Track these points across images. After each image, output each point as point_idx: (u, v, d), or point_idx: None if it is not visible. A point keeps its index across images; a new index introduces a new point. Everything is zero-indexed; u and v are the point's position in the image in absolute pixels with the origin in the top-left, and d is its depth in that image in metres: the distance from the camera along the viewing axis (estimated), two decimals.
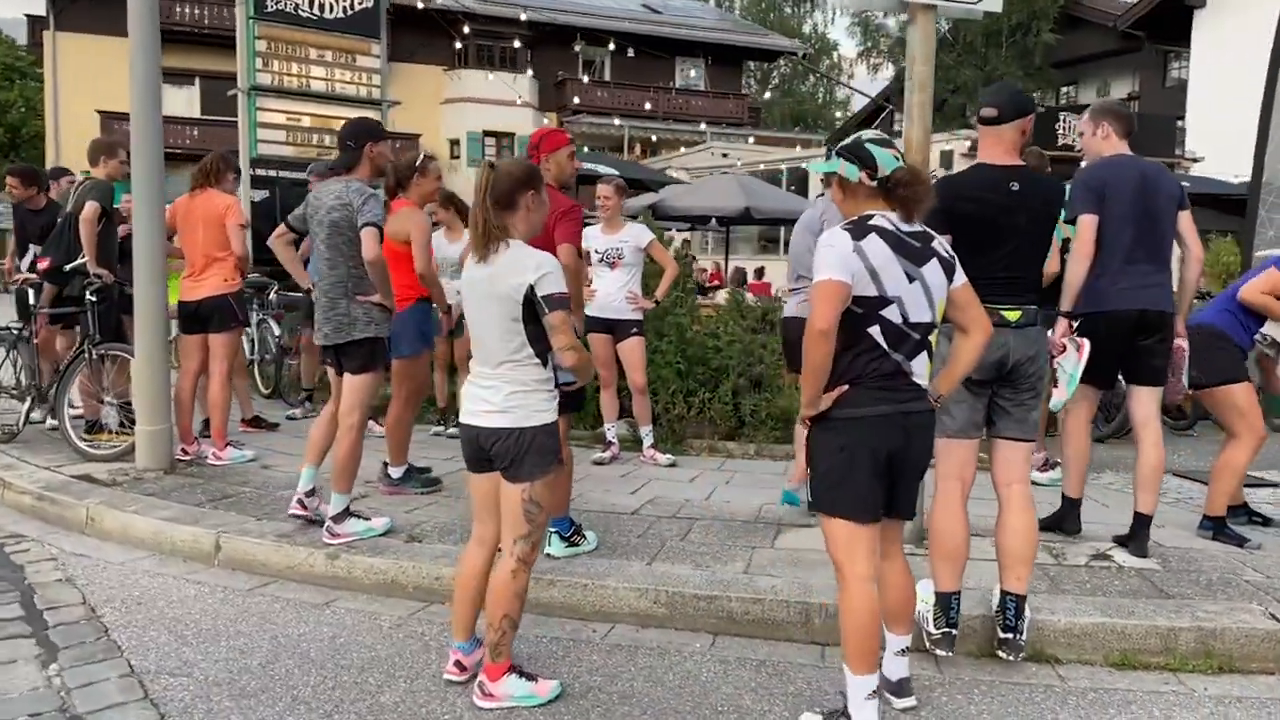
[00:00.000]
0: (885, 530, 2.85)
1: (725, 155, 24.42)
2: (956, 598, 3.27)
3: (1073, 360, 4.19)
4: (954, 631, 3.27)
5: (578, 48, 30.88)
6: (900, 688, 2.98)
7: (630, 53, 30.64)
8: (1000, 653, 3.27)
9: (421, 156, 5.16)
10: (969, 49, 36.24)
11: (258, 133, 9.70)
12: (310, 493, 4.46)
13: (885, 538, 2.87)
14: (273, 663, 3.32)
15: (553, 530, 4.05)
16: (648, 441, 5.97)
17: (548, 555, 4.00)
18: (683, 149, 28.04)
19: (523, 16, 25.54)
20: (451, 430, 6.78)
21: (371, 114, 10.00)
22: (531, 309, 2.88)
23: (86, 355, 5.92)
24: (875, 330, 2.65)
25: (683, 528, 4.51)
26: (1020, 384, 3.32)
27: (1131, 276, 4.15)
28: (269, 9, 9.60)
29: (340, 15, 10.05)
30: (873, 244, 2.63)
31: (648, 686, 3.16)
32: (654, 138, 29.95)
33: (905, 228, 2.70)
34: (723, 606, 3.62)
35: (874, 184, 2.70)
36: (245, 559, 4.32)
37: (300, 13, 9.78)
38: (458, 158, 29.81)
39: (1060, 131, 18.04)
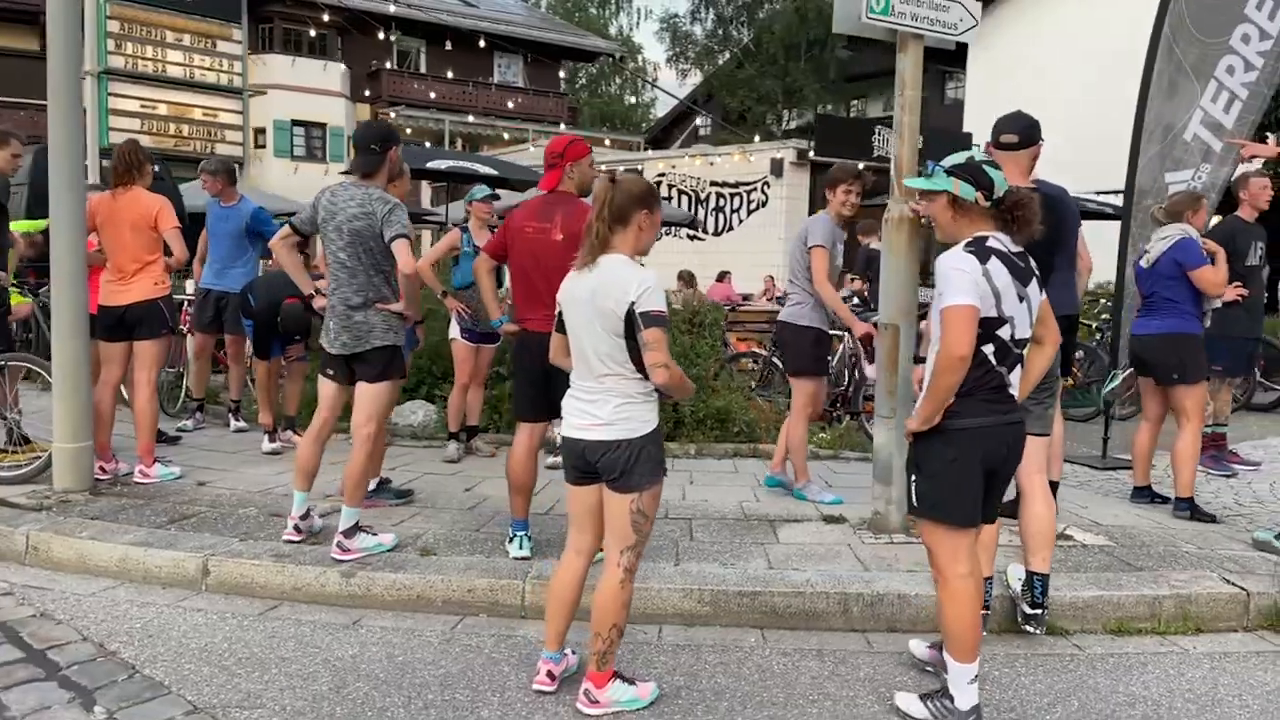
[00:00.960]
0: None
1: None
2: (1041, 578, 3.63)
3: None
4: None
5: (393, 37, 29.97)
6: None
7: (448, 45, 30.17)
8: (1028, 627, 3.64)
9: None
10: (771, 61, 37.93)
11: (109, 120, 8.96)
12: (304, 515, 4.27)
13: None
14: (342, 687, 3.20)
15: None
16: None
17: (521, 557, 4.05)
18: (511, 146, 27.84)
19: (332, 0, 24.56)
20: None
21: (233, 103, 9.52)
22: (632, 324, 2.94)
23: None
24: (989, 348, 2.88)
25: (682, 528, 4.65)
26: (1039, 385, 3.70)
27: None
28: None
29: None
30: (995, 267, 2.86)
31: (731, 682, 3.30)
32: (475, 133, 29.58)
33: (1013, 249, 2.95)
34: (766, 602, 3.80)
35: (989, 204, 2.94)
36: (240, 582, 4.08)
37: None
38: (263, 146, 28.28)
39: (875, 144, 19.29)
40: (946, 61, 35.45)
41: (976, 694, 2.94)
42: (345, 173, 4.41)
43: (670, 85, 43.26)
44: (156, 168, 6.21)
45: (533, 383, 4.08)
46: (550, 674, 3.18)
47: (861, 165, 18.02)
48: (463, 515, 4.89)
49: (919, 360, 4.02)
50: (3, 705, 3.04)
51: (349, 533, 4.09)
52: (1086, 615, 3.81)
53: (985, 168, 2.94)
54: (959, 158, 3.00)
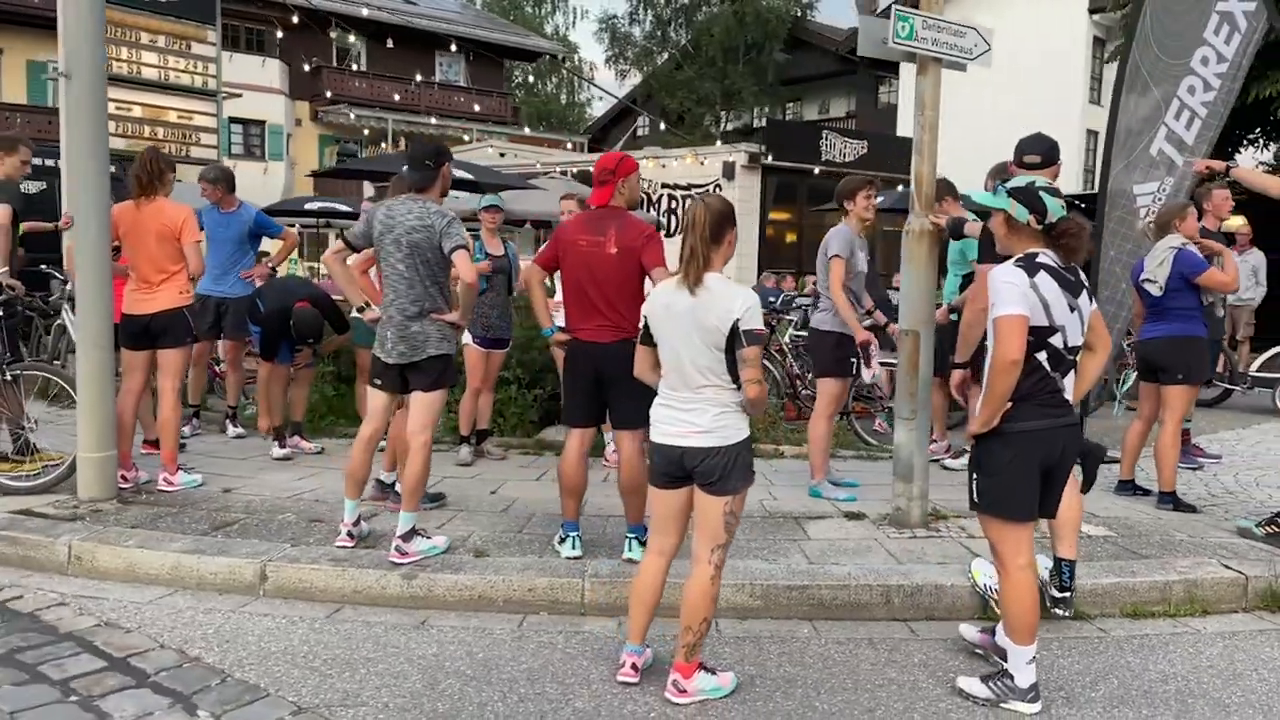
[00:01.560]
0: None
1: (502, 155, 24.49)
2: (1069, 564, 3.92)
3: None
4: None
5: (333, 34, 29.58)
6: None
7: (389, 43, 29.90)
8: (1057, 610, 3.93)
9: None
10: (709, 63, 38.39)
11: None
12: (356, 521, 4.37)
13: None
14: (435, 684, 3.34)
15: (631, 536, 4.29)
16: (611, 448, 6.25)
17: (628, 560, 4.24)
18: (457, 147, 27.72)
19: None
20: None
21: (207, 105, 9.47)
22: (733, 339, 3.15)
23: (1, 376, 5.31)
24: (1042, 355, 3.15)
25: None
26: None
27: None
28: None
29: None
30: (1043, 280, 3.13)
31: (799, 670, 3.52)
32: (420, 133, 29.35)
33: (1063, 264, 3.23)
34: (814, 595, 4.03)
35: (1039, 227, 3.21)
36: (300, 587, 4.18)
37: None
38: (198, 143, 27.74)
39: (823, 148, 19.80)
40: (879, 66, 36.35)
41: (1035, 673, 3.22)
42: (371, 198, 4.51)
43: (608, 85, 43.41)
44: (114, 169, 6.19)
45: (585, 390, 4.26)
46: (634, 666, 3.37)
47: (818, 170, 18.49)
48: (498, 518, 5.03)
49: (959, 367, 4.28)
50: (104, 713, 3.11)
51: (407, 537, 4.21)
52: (1105, 600, 4.12)
53: (1043, 194, 3.21)
54: (1021, 182, 3.27)
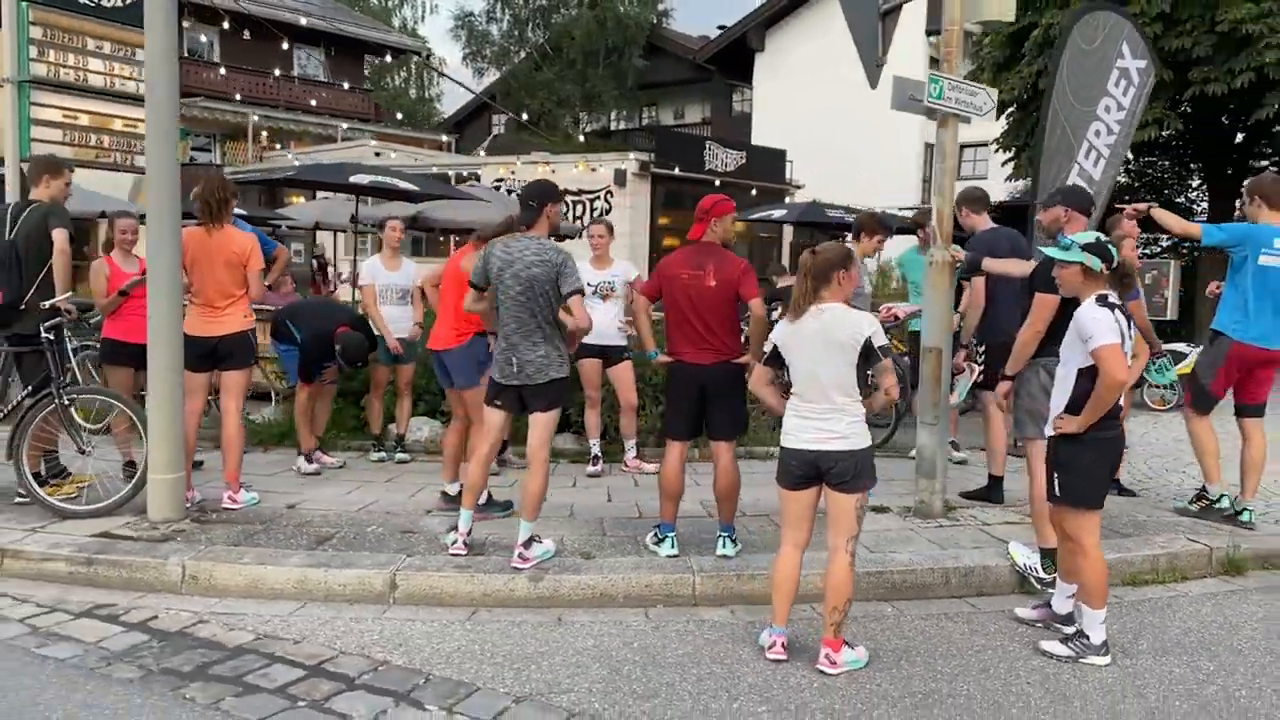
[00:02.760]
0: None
1: (378, 155, 24.20)
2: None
3: (967, 377, 5.95)
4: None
5: (186, 24, 28.31)
6: (1070, 618, 4.30)
7: (246, 34, 28.89)
8: (1049, 590, 4.74)
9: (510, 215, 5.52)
10: (570, 65, 38.88)
11: (30, 130, 8.54)
12: (528, 542, 4.70)
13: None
14: (618, 670, 3.80)
15: (723, 534, 4.85)
16: (632, 453, 6.75)
17: (722, 556, 4.79)
18: (321, 145, 27.10)
19: None
20: (401, 456, 6.94)
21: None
22: (865, 356, 3.79)
23: (55, 401, 5.33)
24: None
25: (766, 523, 5.47)
26: None
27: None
28: None
29: (118, 4, 9.14)
30: (1119, 315, 3.91)
31: (906, 642, 4.18)
32: (281, 128, 28.53)
33: (1117, 300, 4.01)
34: (888, 579, 4.71)
35: (1110, 272, 3.98)
36: (430, 593, 4.52)
37: None
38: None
39: (706, 158, 20.71)
40: (733, 76, 37.83)
41: (1105, 632, 4.00)
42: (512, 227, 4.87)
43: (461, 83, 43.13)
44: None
45: (687, 407, 4.78)
46: (783, 645, 3.94)
47: (722, 181, 19.31)
48: (570, 523, 5.47)
49: (1007, 379, 5.00)
50: (342, 713, 3.43)
51: (527, 544, 4.62)
52: (1112, 573, 4.99)
53: (1109, 246, 4.00)
54: (1088, 237, 4.05)
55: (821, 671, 3.82)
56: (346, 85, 31.70)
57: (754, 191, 20.90)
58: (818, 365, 3.83)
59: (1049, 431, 4.10)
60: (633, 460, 6.77)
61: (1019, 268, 5.56)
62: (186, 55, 28.37)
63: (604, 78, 38.09)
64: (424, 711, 3.46)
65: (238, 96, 27.61)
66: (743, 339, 4.97)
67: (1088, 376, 3.91)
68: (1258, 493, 5.85)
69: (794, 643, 4.02)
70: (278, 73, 29.66)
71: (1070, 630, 4.14)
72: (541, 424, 4.68)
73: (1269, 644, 4.24)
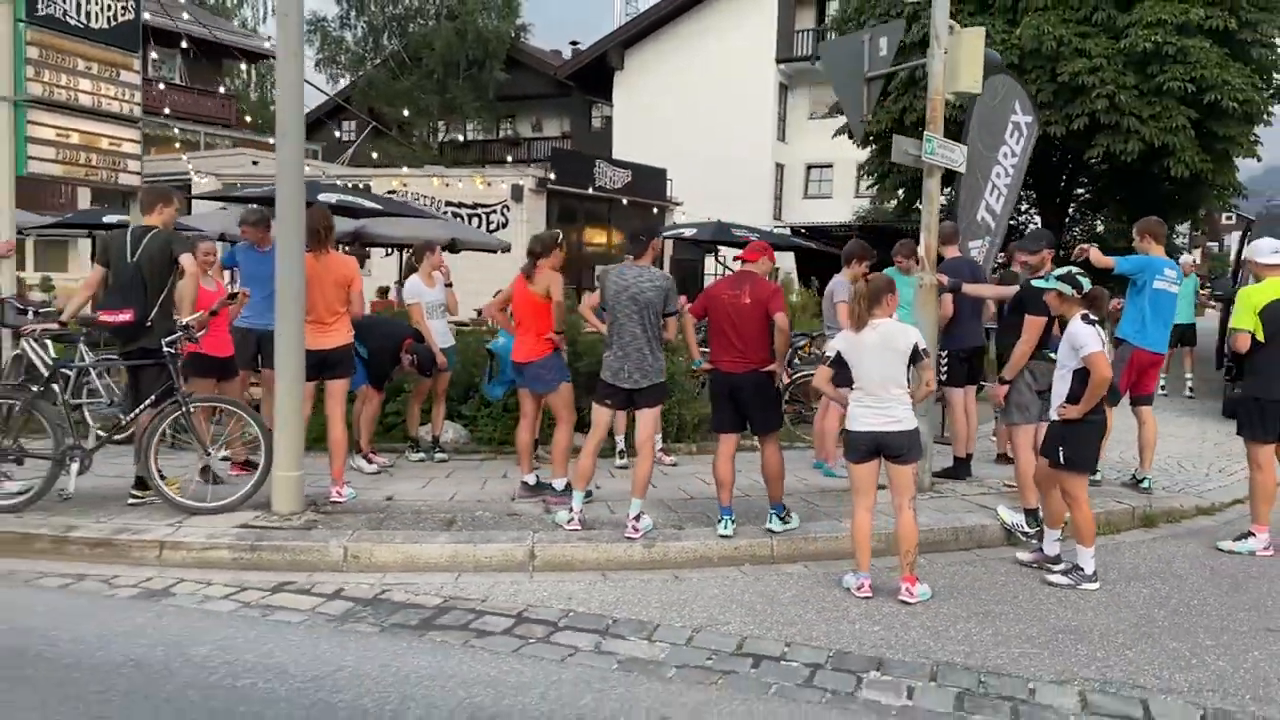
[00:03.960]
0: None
1: (255, 163, 23.99)
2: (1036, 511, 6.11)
3: None
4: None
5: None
6: (1058, 559, 5.64)
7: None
8: (1033, 542, 6.13)
9: (559, 235, 6.45)
10: (428, 75, 39.11)
11: (27, 149, 8.71)
12: (638, 516, 5.65)
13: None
14: (752, 608, 4.84)
15: (772, 511, 5.94)
16: (658, 447, 7.79)
17: (768, 530, 5.88)
18: (188, 151, 26.44)
19: None
20: (440, 456, 7.71)
21: (132, 132, 9.71)
22: (913, 358, 5.04)
23: (180, 408, 5.89)
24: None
25: (799, 501, 6.61)
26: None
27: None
28: (39, 12, 8.71)
29: (104, 25, 9.39)
30: (1099, 329, 5.29)
31: (952, 581, 5.40)
32: (145, 134, 27.56)
33: (1095, 317, 5.40)
34: (936, 537, 5.96)
35: (1079, 297, 5.36)
36: (563, 560, 5.44)
37: (69, 19, 9.00)
38: None
39: (596, 176, 21.82)
40: (592, 92, 39.10)
41: (1094, 564, 5.37)
42: (627, 255, 5.83)
43: (310, 89, 42.40)
44: None
45: (727, 406, 5.83)
46: (870, 586, 5.11)
47: (611, 198, 20.60)
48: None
49: (1006, 383, 6.32)
50: (570, 645, 4.34)
51: (638, 519, 5.61)
52: (1065, 528, 6.44)
53: (1079, 277, 5.40)
54: (1063, 271, 5.45)
55: (904, 601, 5.01)
56: (208, 90, 30.92)
57: (627, 202, 22.20)
58: (879, 367, 5.04)
59: (1053, 417, 5.45)
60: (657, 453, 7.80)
61: (990, 291, 6.99)
62: None
63: (464, 89, 38.53)
64: (628, 640, 4.42)
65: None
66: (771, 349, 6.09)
67: (1080, 377, 5.28)
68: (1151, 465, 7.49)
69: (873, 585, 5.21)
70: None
71: (1065, 566, 5.50)
72: (648, 419, 5.69)
73: (1195, 570, 5.75)
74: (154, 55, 30.53)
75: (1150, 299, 7.18)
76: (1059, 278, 5.43)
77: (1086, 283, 5.42)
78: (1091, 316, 5.35)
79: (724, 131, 32.91)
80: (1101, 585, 5.37)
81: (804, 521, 6.07)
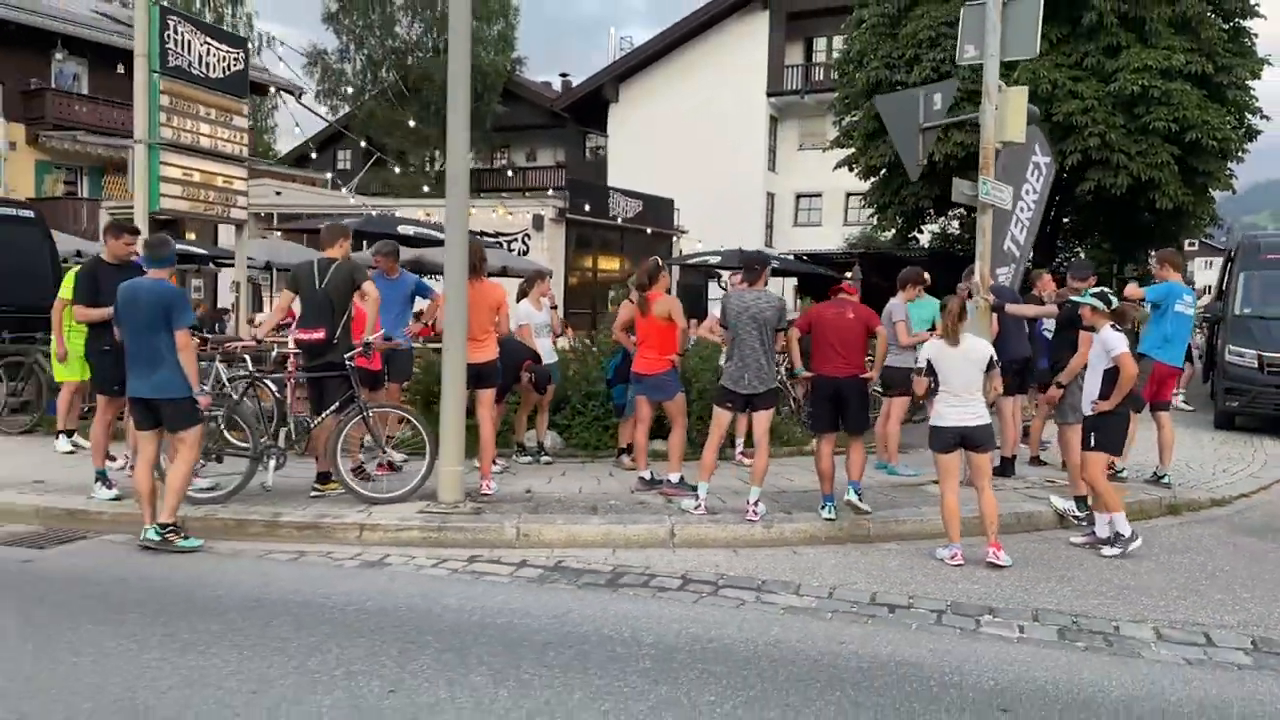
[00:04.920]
0: None
1: (279, 193, 24.85)
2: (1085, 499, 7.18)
3: None
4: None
5: (59, 56, 27.93)
6: (1107, 541, 6.69)
7: (120, 68, 28.81)
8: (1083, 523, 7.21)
9: (659, 262, 7.50)
10: (426, 106, 40.17)
11: (159, 187, 9.66)
12: (757, 501, 6.68)
13: None
14: (870, 574, 5.86)
15: (850, 486, 6.96)
16: (740, 448, 8.81)
17: (849, 504, 6.90)
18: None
19: None
20: (545, 459, 8.68)
21: (241, 170, 10.67)
22: (988, 367, 6.13)
23: (360, 412, 6.85)
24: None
25: (881, 494, 7.66)
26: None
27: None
28: (170, 64, 9.68)
29: (220, 75, 10.37)
30: (1122, 335, 6.39)
31: (1020, 555, 6.42)
32: None
33: (1123, 327, 6.51)
34: (1001, 522, 6.99)
35: (1109, 311, 6.48)
36: (698, 539, 6.43)
37: (192, 70, 9.97)
38: None
39: (611, 206, 22.92)
40: (587, 124, 40.32)
41: (1128, 525, 6.44)
42: (741, 282, 6.88)
43: (309, 118, 43.39)
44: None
45: (827, 408, 6.87)
46: (962, 555, 6.16)
47: (624, 226, 21.96)
48: (743, 497, 7.48)
49: (1061, 386, 7.42)
50: (738, 599, 5.34)
51: (756, 504, 6.63)
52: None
53: (1110, 295, 6.53)
54: (1097, 290, 6.58)
55: (993, 564, 6.04)
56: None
57: (649, 230, 23.37)
58: (962, 373, 6.12)
59: (1087, 411, 6.55)
60: (740, 453, 8.83)
61: (1031, 310, 8.12)
62: (54, 88, 27.89)
63: None
64: (781, 595, 5.42)
65: (112, 130, 27.36)
66: (866, 359, 7.16)
67: (1110, 377, 6.40)
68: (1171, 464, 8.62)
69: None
70: None
71: (1108, 535, 6.55)
72: (764, 419, 6.74)
73: (1221, 546, 6.85)
74: None
75: (1171, 320, 8.34)
76: (1094, 294, 6.55)
77: (1115, 300, 6.55)
78: (1118, 327, 6.47)
79: (717, 162, 34.18)
80: (1148, 556, 6.44)
81: (889, 509, 7.12)
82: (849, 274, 21.68)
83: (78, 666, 4.09)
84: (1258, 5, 18.30)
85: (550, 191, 22.59)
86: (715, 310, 8.94)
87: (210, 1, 47.62)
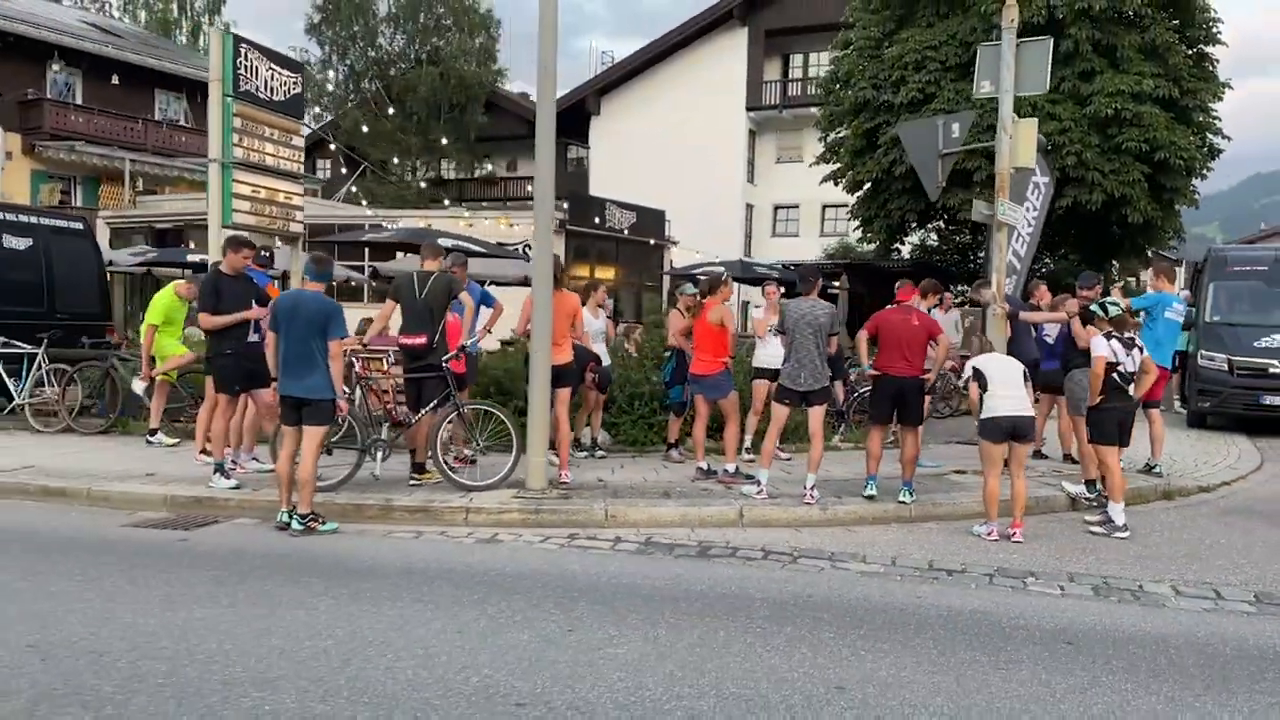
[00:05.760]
0: None
1: None
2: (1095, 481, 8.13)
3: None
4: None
5: (55, 67, 28.23)
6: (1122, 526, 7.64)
7: (115, 79, 29.29)
8: (1094, 503, 8.17)
9: (724, 273, 8.37)
10: (409, 117, 40.86)
11: (232, 203, 10.34)
12: (813, 487, 7.53)
13: None
14: (923, 546, 6.75)
15: (904, 487, 7.85)
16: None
17: (900, 501, 7.80)
18: (196, 191, 27.67)
19: None
20: (600, 454, 9.50)
21: (298, 186, 11.39)
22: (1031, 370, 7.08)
23: (456, 409, 7.64)
24: (1115, 376, 7.34)
25: (916, 482, 8.55)
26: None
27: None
28: (241, 88, 10.38)
29: (281, 98, 11.07)
30: (1113, 343, 7.31)
31: (1038, 532, 7.38)
32: (157, 174, 28.79)
33: (1125, 336, 7.45)
34: (1033, 506, 7.93)
35: (1108, 319, 7.44)
36: (763, 520, 7.28)
37: (259, 94, 10.67)
38: None
39: (607, 217, 23.75)
40: (569, 135, 41.14)
41: (1124, 516, 7.38)
42: (789, 294, 7.75)
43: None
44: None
45: (887, 403, 7.77)
46: (998, 532, 7.04)
47: (619, 236, 22.81)
48: (797, 483, 8.34)
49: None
50: (817, 568, 6.20)
51: (813, 489, 7.50)
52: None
53: (1110, 306, 7.48)
54: (1100, 300, 7.54)
55: (1014, 540, 6.97)
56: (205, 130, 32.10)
57: (652, 242, 24.29)
58: (1011, 374, 7.05)
59: (1090, 404, 7.50)
60: (777, 450, 9.68)
61: (1041, 316, 9.09)
62: (51, 99, 28.17)
63: (445, 131, 40.26)
64: (851, 563, 6.28)
65: (110, 140, 27.72)
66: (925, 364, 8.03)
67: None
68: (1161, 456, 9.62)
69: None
70: (145, 117, 29.92)
71: (1101, 518, 7.47)
72: (819, 414, 7.62)
73: (1214, 524, 7.83)
74: (160, 99, 31.87)
75: (1162, 326, 9.34)
76: (1099, 305, 7.52)
77: (1114, 310, 7.51)
78: (1114, 334, 7.40)
79: (697, 174, 35.17)
80: (1154, 531, 7.41)
81: (925, 494, 8.03)
82: (836, 283, 22.76)
83: (308, 617, 4.85)
84: (1219, 33, 19.60)
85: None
86: (756, 314, 9.85)
87: (188, 10, 48.31)
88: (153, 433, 9.66)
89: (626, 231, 23.90)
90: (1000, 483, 7.13)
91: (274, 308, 6.74)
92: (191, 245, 25.39)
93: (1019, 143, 8.97)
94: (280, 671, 4.10)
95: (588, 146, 40.63)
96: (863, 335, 8.02)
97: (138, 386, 9.76)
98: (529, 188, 42.28)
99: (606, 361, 9.51)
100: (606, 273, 24.33)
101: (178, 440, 9.67)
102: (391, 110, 39.13)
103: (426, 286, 7.64)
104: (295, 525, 6.51)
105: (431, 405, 7.65)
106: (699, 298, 8.24)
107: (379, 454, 7.60)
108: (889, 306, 8.10)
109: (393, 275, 12.13)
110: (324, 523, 6.62)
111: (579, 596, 5.29)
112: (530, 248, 22.74)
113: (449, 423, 7.72)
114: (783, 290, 9.93)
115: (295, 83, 11.25)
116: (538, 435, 7.59)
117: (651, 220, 25.66)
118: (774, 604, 5.26)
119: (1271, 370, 13.23)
